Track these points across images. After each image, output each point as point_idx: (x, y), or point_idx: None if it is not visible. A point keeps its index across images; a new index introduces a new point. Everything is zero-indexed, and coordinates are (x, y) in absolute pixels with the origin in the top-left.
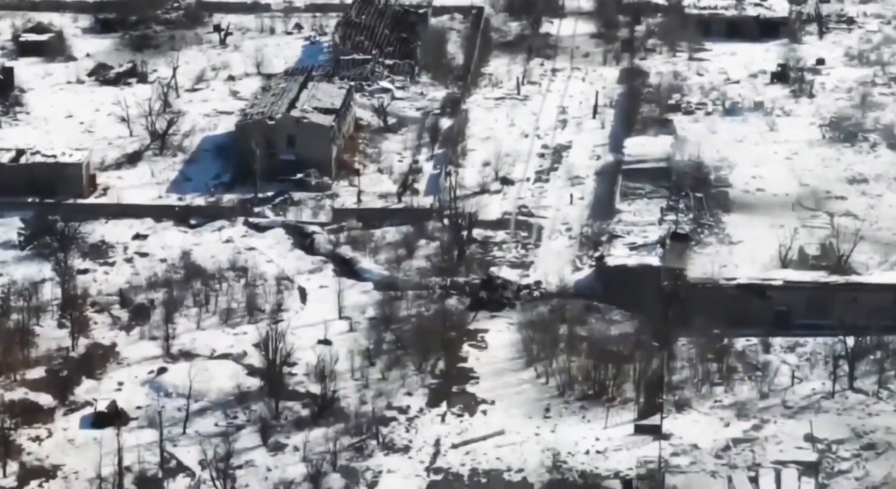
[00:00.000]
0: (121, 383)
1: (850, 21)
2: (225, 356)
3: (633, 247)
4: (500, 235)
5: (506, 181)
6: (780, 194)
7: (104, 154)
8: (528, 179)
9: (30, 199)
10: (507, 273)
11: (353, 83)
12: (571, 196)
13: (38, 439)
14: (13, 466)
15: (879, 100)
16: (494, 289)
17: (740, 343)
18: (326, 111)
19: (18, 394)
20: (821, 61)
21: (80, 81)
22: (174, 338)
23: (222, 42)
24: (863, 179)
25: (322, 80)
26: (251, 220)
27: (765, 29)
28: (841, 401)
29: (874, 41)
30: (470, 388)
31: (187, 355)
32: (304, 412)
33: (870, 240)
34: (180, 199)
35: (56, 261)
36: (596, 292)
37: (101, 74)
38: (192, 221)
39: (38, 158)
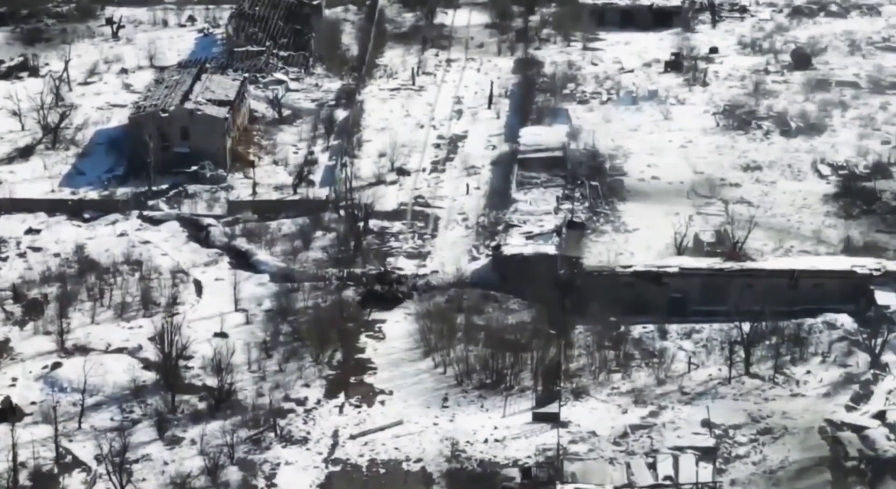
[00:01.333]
0: (14, 379)
1: (743, 10)
2: (120, 350)
3: (530, 236)
4: (397, 226)
5: (402, 172)
6: (675, 182)
7: None
8: (424, 170)
9: None
10: (403, 263)
11: (246, 75)
12: (468, 186)
13: None
14: None
15: (772, 87)
16: (389, 284)
17: (637, 330)
18: (220, 103)
19: None
20: (714, 50)
21: None
22: (68, 333)
23: (115, 35)
24: (756, 166)
25: (216, 72)
26: (145, 213)
27: (658, 18)
28: (737, 386)
29: (766, 29)
30: (368, 379)
31: (82, 350)
32: (201, 405)
33: (764, 226)
34: (73, 192)
35: None
36: (492, 281)
37: None
38: (86, 215)
39: None
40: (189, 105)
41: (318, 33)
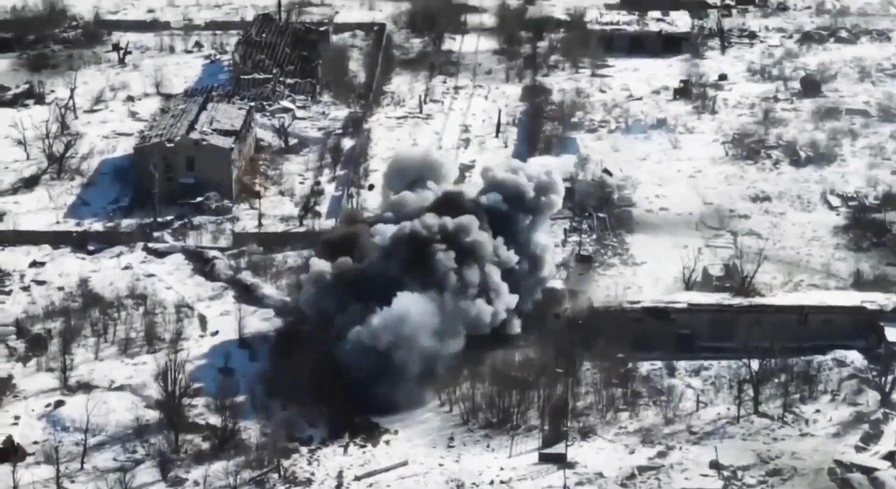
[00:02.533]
0: (17, 417)
1: (753, 35)
2: (123, 387)
3: None
4: None
5: None
6: (684, 213)
7: (0, 178)
8: None
9: None
10: None
11: (253, 104)
12: None
13: None
14: None
15: (781, 115)
16: None
17: (645, 367)
18: (226, 133)
19: None
20: (723, 77)
21: None
22: (72, 370)
23: (121, 61)
24: (766, 197)
25: (222, 101)
26: (150, 245)
27: (667, 44)
28: (746, 425)
29: (776, 56)
30: (373, 418)
31: (85, 387)
32: (205, 445)
33: (773, 259)
34: (78, 224)
35: None
36: None
37: None
38: (91, 247)
39: None
40: (195, 135)
41: (326, 60)
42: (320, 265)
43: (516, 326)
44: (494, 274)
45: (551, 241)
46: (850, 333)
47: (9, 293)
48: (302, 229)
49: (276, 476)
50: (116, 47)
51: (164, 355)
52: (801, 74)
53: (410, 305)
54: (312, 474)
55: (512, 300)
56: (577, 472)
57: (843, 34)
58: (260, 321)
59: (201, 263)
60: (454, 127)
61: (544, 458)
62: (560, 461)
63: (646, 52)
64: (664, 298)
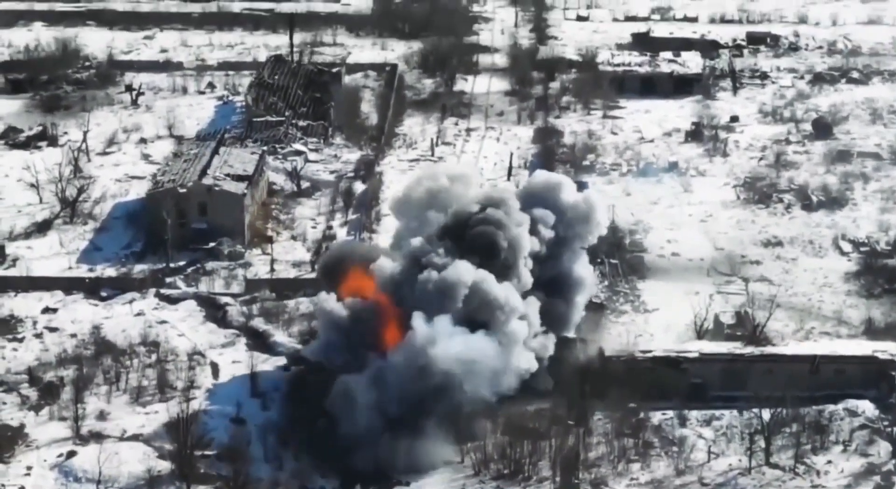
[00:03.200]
0: (29, 467)
1: (764, 76)
2: (136, 437)
3: None
4: None
5: None
6: (696, 259)
7: (13, 222)
8: None
9: None
10: None
11: (265, 148)
12: None
13: None
14: None
15: (793, 158)
16: None
17: (656, 417)
18: (239, 178)
19: None
20: (735, 118)
21: None
22: (84, 419)
23: (134, 102)
24: (777, 242)
25: (234, 144)
26: (163, 291)
27: (679, 85)
28: (757, 477)
29: (787, 97)
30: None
31: (97, 436)
32: None
33: (785, 306)
34: (91, 269)
35: None
36: None
37: (11, 138)
38: (103, 294)
39: None
40: (207, 181)
41: (338, 102)
42: (331, 304)
43: (547, 380)
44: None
45: (591, 275)
46: (861, 383)
47: (21, 340)
48: (314, 275)
49: None
50: (129, 88)
51: (175, 404)
52: (812, 116)
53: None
54: None
55: (549, 343)
56: None
57: (855, 75)
58: (272, 369)
59: (213, 310)
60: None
61: None
62: None
63: (657, 94)
64: (676, 347)
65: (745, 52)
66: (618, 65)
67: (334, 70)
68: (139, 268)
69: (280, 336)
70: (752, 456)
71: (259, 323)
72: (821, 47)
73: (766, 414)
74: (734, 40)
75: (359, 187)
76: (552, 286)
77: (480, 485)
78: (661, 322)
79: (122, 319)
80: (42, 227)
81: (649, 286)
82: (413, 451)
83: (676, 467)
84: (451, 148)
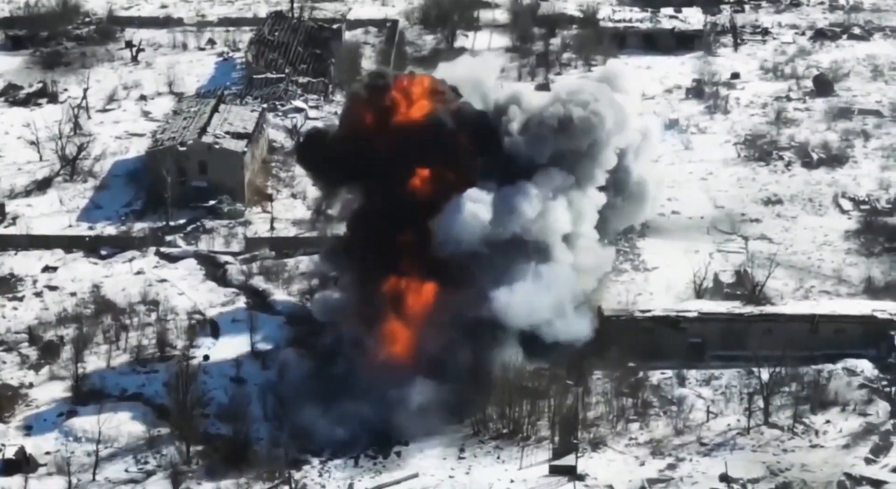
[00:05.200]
0: (29, 427)
1: (765, 32)
2: (136, 396)
3: None
4: None
5: None
6: (696, 217)
7: (13, 180)
8: None
9: None
10: None
11: (265, 105)
12: None
13: None
14: None
15: (794, 115)
16: None
17: (655, 376)
18: (239, 135)
19: None
20: (735, 75)
21: None
22: (84, 379)
23: (134, 59)
24: (777, 200)
25: (234, 102)
26: (162, 249)
27: (680, 41)
28: (756, 437)
29: (789, 53)
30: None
31: (97, 396)
32: (216, 457)
33: (784, 264)
34: (91, 227)
35: None
36: None
37: (11, 95)
38: (103, 252)
39: None
40: (207, 139)
41: (338, 59)
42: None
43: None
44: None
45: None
46: (860, 342)
47: (21, 299)
48: (314, 233)
49: (286, 488)
50: (129, 44)
51: (175, 364)
52: (813, 72)
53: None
54: (323, 486)
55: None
56: (587, 485)
57: (857, 31)
58: (272, 328)
59: (213, 268)
60: None
61: (555, 471)
62: (570, 473)
63: (658, 50)
64: (675, 307)
65: (747, 7)
66: (619, 21)
67: (335, 26)
68: (139, 227)
69: (280, 295)
70: (750, 415)
71: (259, 281)
72: (822, 3)
73: (765, 373)
74: None
75: None
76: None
77: (480, 444)
78: (661, 281)
79: (121, 278)
80: (42, 185)
81: (649, 244)
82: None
83: (675, 427)
84: None
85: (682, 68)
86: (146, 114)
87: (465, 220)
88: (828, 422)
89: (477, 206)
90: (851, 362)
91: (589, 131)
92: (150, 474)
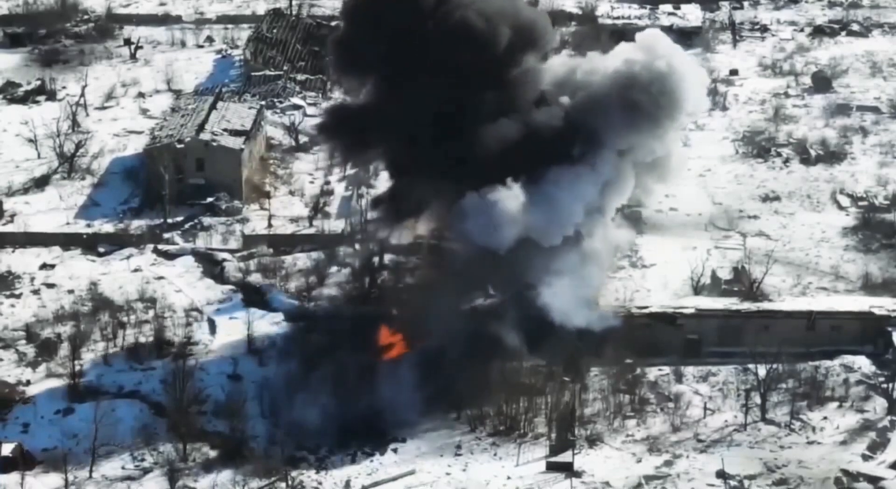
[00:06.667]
0: (27, 424)
1: (764, 29)
2: (133, 393)
3: None
4: (413, 261)
5: None
6: (693, 214)
7: (11, 178)
8: None
9: None
10: None
11: (263, 102)
12: None
13: None
14: None
15: (792, 112)
16: None
17: (652, 373)
18: (237, 133)
19: None
20: (734, 71)
21: None
22: (81, 376)
23: (132, 56)
24: (775, 197)
25: (232, 99)
26: (160, 247)
27: (679, 38)
28: (753, 433)
29: (787, 50)
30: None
31: (94, 393)
32: (213, 453)
33: (782, 261)
34: (89, 225)
35: None
36: None
37: (9, 92)
38: (101, 249)
39: None
40: (205, 136)
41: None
42: None
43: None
44: None
45: None
46: (858, 339)
47: (19, 296)
48: (312, 231)
49: (283, 485)
50: (128, 42)
51: (172, 361)
52: (812, 69)
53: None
54: (320, 483)
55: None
56: (584, 482)
57: (855, 28)
58: (269, 325)
59: (211, 265)
60: None
61: (552, 467)
62: (567, 470)
63: None
64: (672, 303)
65: (745, 4)
66: (617, 17)
67: (333, 24)
68: (137, 224)
69: (277, 292)
70: (747, 412)
71: (257, 278)
72: None
73: (762, 370)
74: None
75: None
76: None
77: (477, 441)
78: (658, 277)
79: (119, 275)
80: (40, 183)
81: (647, 241)
82: None
83: (672, 423)
84: None
85: None
86: (144, 111)
87: (497, 221)
88: (825, 418)
89: (509, 204)
90: (849, 359)
91: (667, 86)
92: (146, 471)
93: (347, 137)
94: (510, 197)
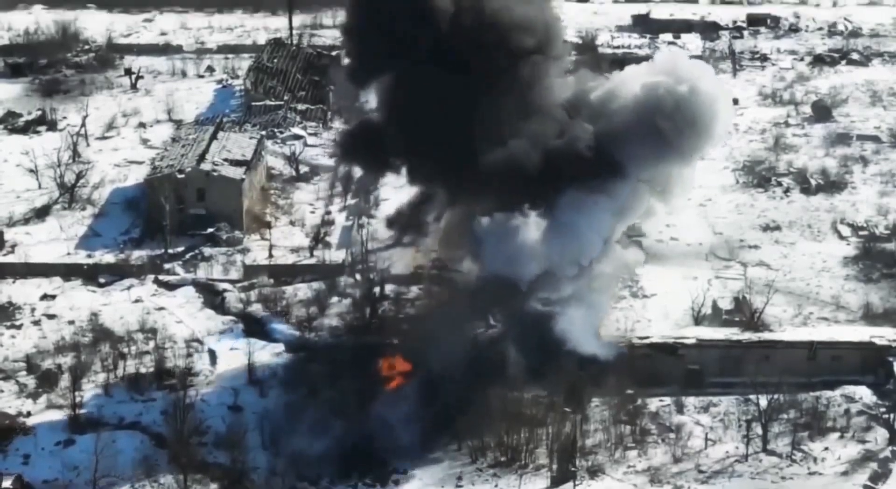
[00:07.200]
0: (27, 456)
1: (764, 58)
2: (133, 425)
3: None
4: (414, 291)
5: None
6: (694, 244)
7: (12, 208)
8: None
9: None
10: None
11: (263, 132)
12: None
13: None
14: None
15: (792, 141)
16: None
17: (654, 404)
18: (237, 163)
19: None
20: (734, 101)
21: None
22: (82, 407)
23: (133, 86)
24: (776, 227)
25: (233, 129)
26: (161, 277)
27: None
28: (754, 464)
29: (787, 79)
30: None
31: (95, 425)
32: (214, 485)
33: (783, 291)
34: (89, 255)
35: None
36: None
37: (10, 122)
38: (101, 280)
39: None
40: (206, 166)
41: (337, 85)
42: None
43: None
44: None
45: None
46: (859, 369)
47: (20, 327)
48: (312, 261)
49: None
50: (128, 72)
51: (172, 392)
52: (812, 98)
53: None
54: None
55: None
56: None
57: (855, 57)
58: (270, 356)
59: (212, 296)
60: None
61: None
62: None
63: None
64: (673, 333)
65: (745, 33)
66: (618, 47)
67: (333, 53)
68: (137, 255)
69: (278, 323)
70: (749, 442)
71: (257, 309)
72: (821, 28)
73: (764, 400)
74: (734, 22)
75: (358, 172)
76: None
77: (478, 473)
78: (659, 307)
79: (120, 306)
80: (41, 213)
81: (647, 271)
82: None
83: (673, 454)
84: None
85: None
86: (145, 141)
87: (519, 253)
88: (826, 449)
89: (531, 235)
90: (850, 389)
91: (694, 113)
92: None
93: (368, 151)
94: (530, 226)
